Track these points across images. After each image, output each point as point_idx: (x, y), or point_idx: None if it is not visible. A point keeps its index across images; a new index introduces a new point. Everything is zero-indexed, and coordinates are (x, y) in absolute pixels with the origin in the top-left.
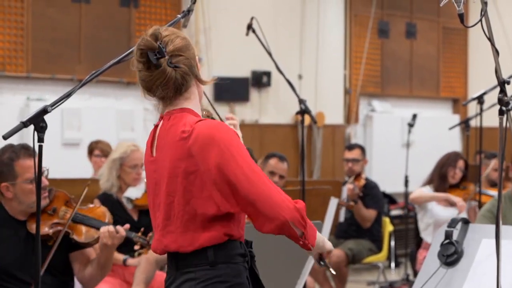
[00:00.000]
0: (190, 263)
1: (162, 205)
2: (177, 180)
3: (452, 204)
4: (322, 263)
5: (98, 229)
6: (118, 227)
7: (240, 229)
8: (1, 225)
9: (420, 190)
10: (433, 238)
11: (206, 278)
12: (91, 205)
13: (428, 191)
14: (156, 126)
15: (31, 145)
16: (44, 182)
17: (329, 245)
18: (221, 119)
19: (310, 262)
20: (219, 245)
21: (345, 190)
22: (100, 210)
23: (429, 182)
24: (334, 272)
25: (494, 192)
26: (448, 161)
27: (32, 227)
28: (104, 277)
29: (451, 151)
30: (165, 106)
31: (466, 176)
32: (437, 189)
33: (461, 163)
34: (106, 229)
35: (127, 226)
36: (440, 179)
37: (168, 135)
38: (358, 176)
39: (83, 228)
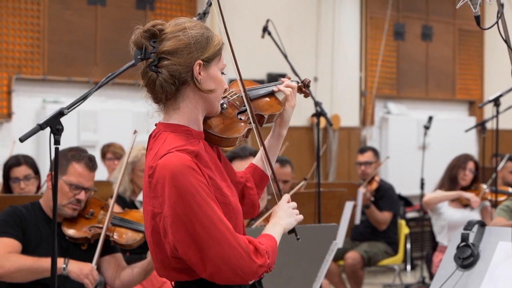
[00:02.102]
0: None
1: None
2: (147, 218)
3: (465, 200)
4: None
5: (140, 232)
6: None
7: None
8: (43, 224)
9: (431, 193)
10: (449, 240)
11: None
12: (127, 209)
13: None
14: (150, 136)
15: (47, 147)
16: (82, 197)
17: (291, 225)
18: (249, 104)
19: (326, 264)
20: (200, 279)
21: (360, 193)
22: (139, 214)
23: (440, 186)
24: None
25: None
26: (457, 163)
27: (65, 229)
28: (141, 282)
29: (460, 154)
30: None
31: (477, 177)
32: None
33: (471, 165)
34: None
35: None
36: (450, 181)
37: (147, 158)
38: (371, 179)
39: (124, 231)
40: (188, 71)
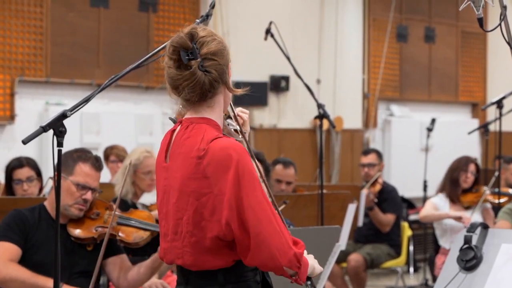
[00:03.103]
0: (200, 282)
1: (171, 217)
2: (188, 200)
3: (466, 203)
4: (309, 282)
5: (147, 230)
6: None
7: None
8: (47, 226)
9: (429, 203)
10: (451, 243)
11: None
12: (132, 209)
13: (440, 200)
14: (173, 131)
15: (51, 149)
16: (88, 197)
17: (319, 269)
18: (236, 118)
19: (329, 266)
20: (228, 268)
21: (363, 195)
22: (145, 214)
23: (441, 189)
24: None
25: None
26: (459, 165)
27: (71, 230)
28: (148, 280)
29: (461, 156)
30: (188, 109)
31: (478, 179)
32: (450, 195)
33: (472, 167)
34: None
35: None
36: (452, 184)
37: (183, 145)
38: (374, 181)
39: (131, 230)
40: (227, 72)
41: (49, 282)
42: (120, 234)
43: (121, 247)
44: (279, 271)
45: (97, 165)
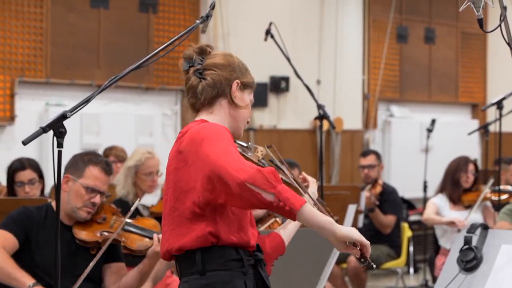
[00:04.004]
0: (185, 271)
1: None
2: (169, 178)
3: (467, 202)
4: (362, 260)
5: (151, 239)
6: None
7: (233, 235)
8: (51, 226)
9: (430, 204)
10: (451, 243)
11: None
12: (139, 217)
13: (440, 200)
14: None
15: (51, 150)
16: (97, 200)
17: (354, 235)
18: (291, 179)
19: (329, 267)
20: (206, 249)
21: (363, 197)
22: (151, 222)
23: (441, 190)
24: (374, 266)
25: None
26: (459, 167)
27: (77, 232)
28: (139, 286)
29: (459, 156)
30: (193, 114)
31: (478, 178)
32: (451, 196)
33: (471, 167)
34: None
35: None
36: (453, 185)
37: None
38: (374, 183)
39: (135, 237)
40: (228, 84)
41: (26, 278)
42: (124, 240)
43: (122, 255)
44: (245, 191)
45: (107, 169)
